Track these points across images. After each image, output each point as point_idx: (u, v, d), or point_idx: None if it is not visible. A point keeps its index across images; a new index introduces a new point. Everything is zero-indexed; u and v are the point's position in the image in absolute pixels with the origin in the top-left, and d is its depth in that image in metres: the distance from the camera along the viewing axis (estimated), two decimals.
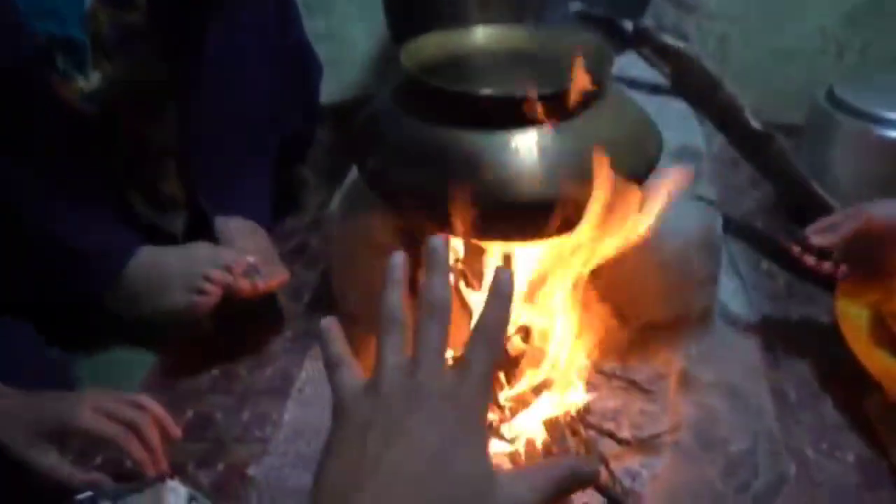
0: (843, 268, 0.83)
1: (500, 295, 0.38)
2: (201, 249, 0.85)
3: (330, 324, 0.41)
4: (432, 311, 0.37)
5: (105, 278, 0.83)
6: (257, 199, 0.92)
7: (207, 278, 0.81)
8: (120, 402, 0.65)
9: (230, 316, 0.88)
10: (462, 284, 0.74)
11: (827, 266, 0.83)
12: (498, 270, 0.39)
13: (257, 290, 0.84)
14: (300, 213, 1.16)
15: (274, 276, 0.86)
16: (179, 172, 0.92)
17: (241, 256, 0.84)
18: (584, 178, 0.67)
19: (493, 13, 1.04)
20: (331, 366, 0.39)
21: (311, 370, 0.87)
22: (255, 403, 0.83)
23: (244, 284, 0.82)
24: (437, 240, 0.40)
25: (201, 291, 0.81)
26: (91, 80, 0.83)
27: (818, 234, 0.78)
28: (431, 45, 0.77)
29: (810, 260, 0.81)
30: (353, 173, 0.91)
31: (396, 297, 0.39)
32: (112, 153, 0.89)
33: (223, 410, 0.82)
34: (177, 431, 0.67)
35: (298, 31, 1.04)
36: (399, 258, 0.41)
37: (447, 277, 0.39)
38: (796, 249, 0.82)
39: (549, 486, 0.35)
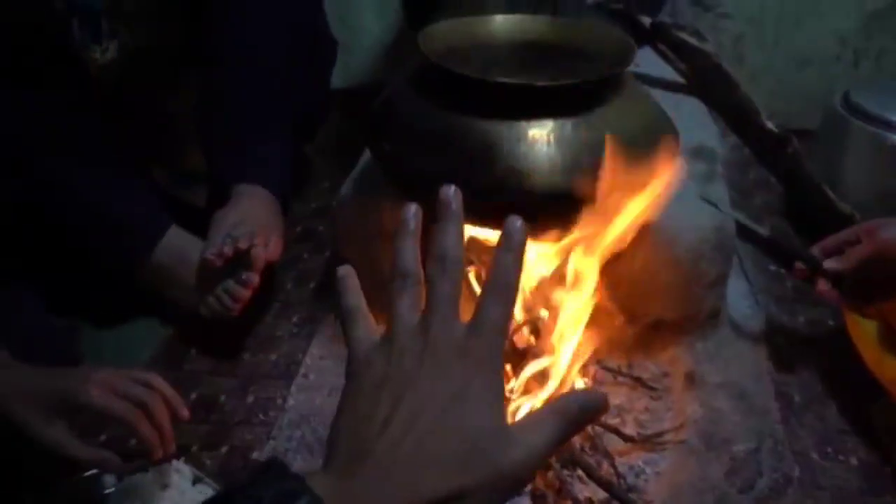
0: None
1: (512, 246, 0.36)
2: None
3: (346, 273, 0.39)
4: (444, 265, 0.36)
5: (142, 248, 0.84)
6: (274, 167, 0.91)
7: (228, 292, 0.81)
8: (130, 379, 0.64)
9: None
10: (473, 279, 0.74)
11: (836, 293, 0.78)
12: (509, 220, 0.37)
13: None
14: (302, 193, 1.15)
15: (272, 251, 0.85)
16: (199, 142, 0.92)
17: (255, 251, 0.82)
18: (600, 171, 0.67)
19: (511, 2, 1.04)
20: (346, 318, 0.38)
21: (316, 355, 0.87)
22: (259, 387, 0.83)
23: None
24: (447, 191, 0.38)
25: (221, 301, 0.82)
26: (109, 51, 0.82)
27: (830, 259, 0.75)
28: (450, 31, 0.77)
29: (823, 285, 0.77)
30: (364, 159, 0.90)
31: (410, 250, 0.37)
32: (133, 124, 0.89)
33: (228, 393, 0.82)
34: (185, 412, 0.66)
35: (316, 8, 1.04)
36: (413, 209, 0.39)
37: (459, 230, 0.37)
38: (807, 271, 0.78)
39: (560, 427, 0.34)
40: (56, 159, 0.81)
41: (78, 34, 0.81)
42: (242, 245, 0.79)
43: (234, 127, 0.89)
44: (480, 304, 0.35)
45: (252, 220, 0.82)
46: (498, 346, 0.35)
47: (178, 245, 0.85)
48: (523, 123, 0.65)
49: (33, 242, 0.83)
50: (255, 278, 0.80)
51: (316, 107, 1.09)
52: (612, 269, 0.78)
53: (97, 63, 0.83)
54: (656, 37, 1.05)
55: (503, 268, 0.36)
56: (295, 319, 0.93)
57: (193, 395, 0.82)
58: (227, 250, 0.78)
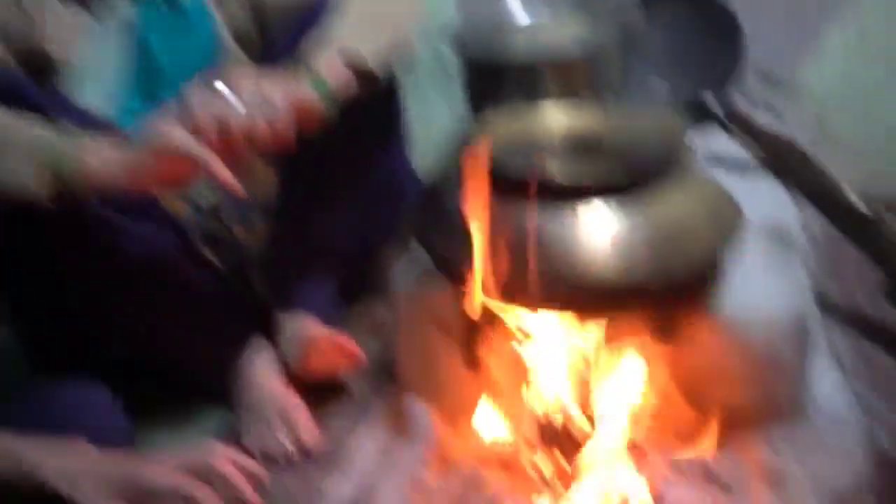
0: None
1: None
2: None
3: None
4: None
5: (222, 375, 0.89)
6: (319, 300, 0.96)
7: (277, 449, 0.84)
8: (199, 456, 0.65)
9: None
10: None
11: None
12: None
13: None
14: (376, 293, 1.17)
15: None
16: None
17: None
18: (654, 256, 0.65)
19: (571, 88, 1.06)
20: None
21: (366, 441, 0.86)
22: (305, 471, 0.83)
23: None
24: None
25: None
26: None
27: None
28: (505, 120, 0.79)
29: None
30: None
31: None
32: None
33: (273, 476, 0.82)
34: (265, 475, 0.66)
35: (402, 161, 1.03)
36: None
37: None
38: None
39: None
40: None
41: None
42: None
43: (291, 269, 0.96)
44: None
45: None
46: None
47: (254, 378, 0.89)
48: (574, 217, 0.66)
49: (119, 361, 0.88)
50: None
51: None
52: (678, 355, 0.74)
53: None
54: (728, 118, 1.03)
55: None
56: (348, 403, 0.93)
57: None
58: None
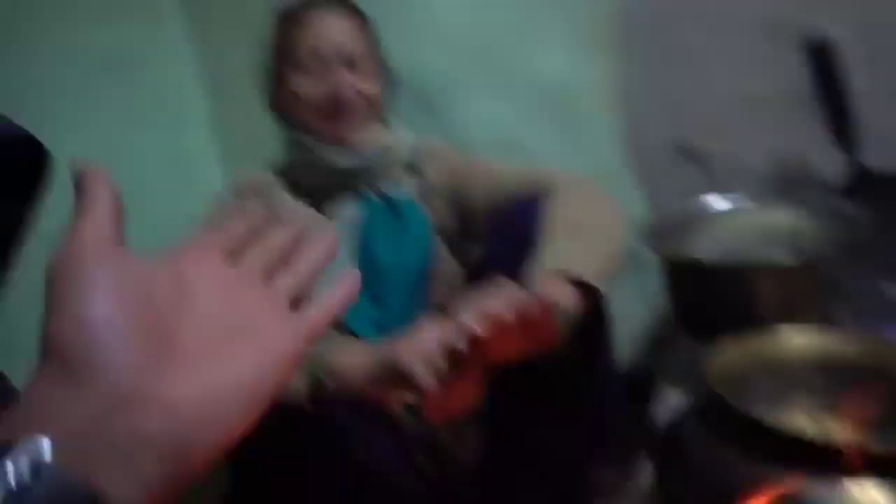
0: None
1: None
2: None
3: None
4: None
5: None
6: None
7: None
8: None
9: None
10: None
11: None
12: None
13: None
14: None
15: None
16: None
17: None
18: None
19: (787, 297, 0.98)
20: None
21: None
22: None
23: None
24: None
25: None
26: None
27: None
28: (736, 351, 0.73)
29: None
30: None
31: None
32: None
33: None
34: None
35: (610, 366, 0.99)
36: None
37: None
38: None
39: None
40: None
41: None
42: None
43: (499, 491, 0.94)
44: None
45: None
46: None
47: None
48: (828, 484, 0.57)
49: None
50: None
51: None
52: None
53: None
54: None
55: None
56: None
57: None
58: None
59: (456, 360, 0.69)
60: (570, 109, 1.34)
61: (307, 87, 0.98)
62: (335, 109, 0.98)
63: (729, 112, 1.18)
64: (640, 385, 1.28)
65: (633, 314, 1.32)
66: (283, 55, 1.00)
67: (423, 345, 0.70)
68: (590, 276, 0.79)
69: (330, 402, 0.73)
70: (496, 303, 0.71)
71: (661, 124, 1.26)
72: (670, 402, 1.10)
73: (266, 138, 1.10)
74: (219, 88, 1.84)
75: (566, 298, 0.77)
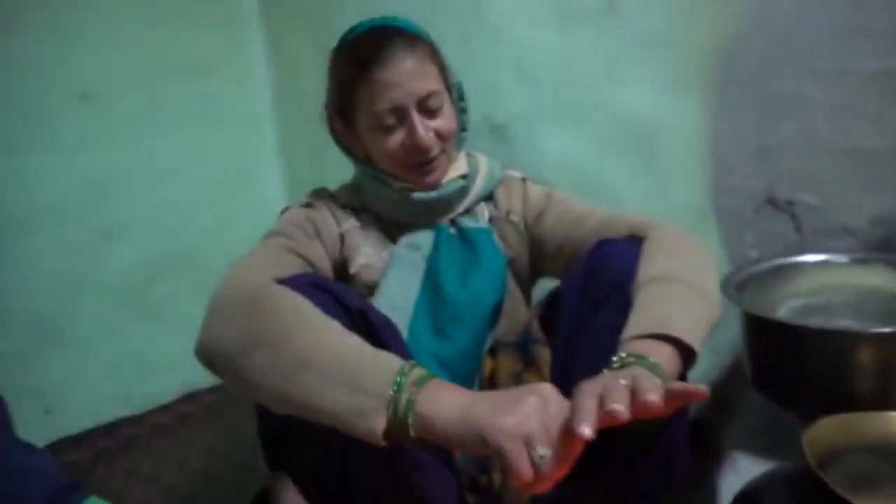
0: None
1: None
2: None
3: None
4: None
5: None
6: None
7: None
8: None
9: None
10: None
11: None
12: None
13: None
14: None
15: None
16: None
17: None
18: None
19: (890, 384, 0.88)
20: None
21: None
22: None
23: None
24: None
25: None
26: None
27: None
28: (835, 428, 0.68)
29: None
30: None
31: None
32: None
33: None
34: None
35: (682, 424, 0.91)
36: None
37: None
38: None
39: None
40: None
41: None
42: None
43: None
44: None
45: None
46: None
47: None
48: None
49: None
50: None
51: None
52: None
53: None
54: None
55: None
56: None
57: None
58: None
59: (568, 445, 0.60)
60: (654, 148, 1.30)
61: (383, 140, 0.93)
62: (419, 163, 0.95)
63: (831, 165, 1.12)
64: (703, 440, 1.22)
65: (703, 362, 1.26)
66: (352, 100, 0.95)
67: (532, 428, 0.60)
68: (697, 346, 0.73)
69: (406, 443, 0.67)
70: (647, 386, 0.61)
71: (752, 172, 1.21)
72: (739, 466, 1.04)
73: (331, 161, 1.09)
74: (285, 100, 1.87)
75: (674, 367, 0.71)
